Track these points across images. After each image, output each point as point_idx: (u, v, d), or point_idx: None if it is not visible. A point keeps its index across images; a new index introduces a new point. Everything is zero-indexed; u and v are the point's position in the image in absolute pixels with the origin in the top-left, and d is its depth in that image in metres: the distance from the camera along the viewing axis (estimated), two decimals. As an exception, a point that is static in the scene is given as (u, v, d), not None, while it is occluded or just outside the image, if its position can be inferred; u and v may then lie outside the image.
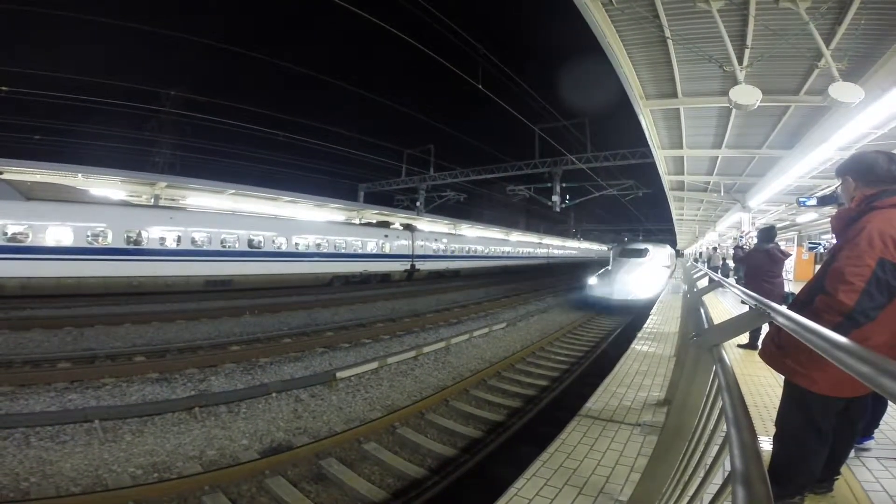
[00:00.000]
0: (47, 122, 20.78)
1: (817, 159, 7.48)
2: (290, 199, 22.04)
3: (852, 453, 2.52)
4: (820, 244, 17.44)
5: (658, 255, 17.58)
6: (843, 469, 2.35)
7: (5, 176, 13.92)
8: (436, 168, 29.69)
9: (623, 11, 5.58)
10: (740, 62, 5.67)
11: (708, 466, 1.21)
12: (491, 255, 35.34)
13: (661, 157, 11.44)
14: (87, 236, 13.57)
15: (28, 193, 12.94)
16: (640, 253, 17.50)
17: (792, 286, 9.47)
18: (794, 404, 2.05)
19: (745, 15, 5.35)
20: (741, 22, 5.51)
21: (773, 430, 2.20)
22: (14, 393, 5.76)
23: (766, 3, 5.10)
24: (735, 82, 5.59)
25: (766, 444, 2.40)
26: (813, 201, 9.86)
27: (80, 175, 15.97)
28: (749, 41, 5.65)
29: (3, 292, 11.88)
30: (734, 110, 6.01)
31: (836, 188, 2.24)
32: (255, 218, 19.37)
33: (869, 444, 2.73)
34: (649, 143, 10.20)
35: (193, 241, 15.92)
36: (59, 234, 13.09)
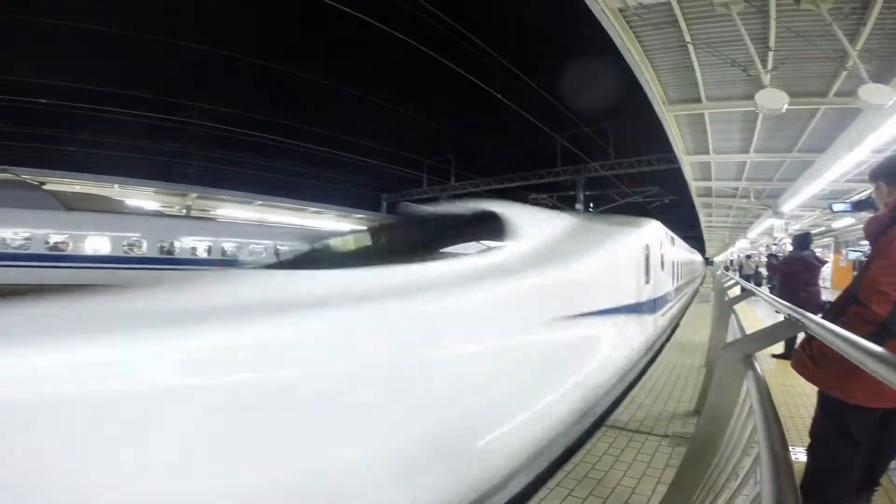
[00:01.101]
0: (81, 134, 21.58)
1: (851, 162, 7.21)
2: (315, 209, 22.45)
3: (893, 464, 2.41)
4: (862, 251, 16.63)
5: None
6: (883, 480, 2.25)
7: (47, 186, 14.65)
8: (456, 178, 29.78)
9: (641, 17, 5.55)
10: (764, 65, 5.56)
11: (739, 479, 1.19)
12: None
13: (687, 162, 11.25)
14: (124, 245, 14.14)
15: (68, 204, 13.59)
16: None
17: (829, 294, 9.11)
18: (828, 415, 1.99)
19: (765, 17, 5.24)
20: (762, 24, 5.41)
21: (808, 441, 2.13)
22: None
23: (786, 4, 5.00)
24: (760, 86, 5.48)
25: (801, 457, 2.32)
26: (845, 206, 9.43)
27: (116, 186, 16.66)
28: (772, 43, 5.53)
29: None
30: (761, 114, 5.87)
31: (872, 193, 2.17)
32: (282, 228, 19.82)
33: None
34: (674, 148, 10.05)
35: (223, 252, 16.38)
36: (97, 243, 13.69)
